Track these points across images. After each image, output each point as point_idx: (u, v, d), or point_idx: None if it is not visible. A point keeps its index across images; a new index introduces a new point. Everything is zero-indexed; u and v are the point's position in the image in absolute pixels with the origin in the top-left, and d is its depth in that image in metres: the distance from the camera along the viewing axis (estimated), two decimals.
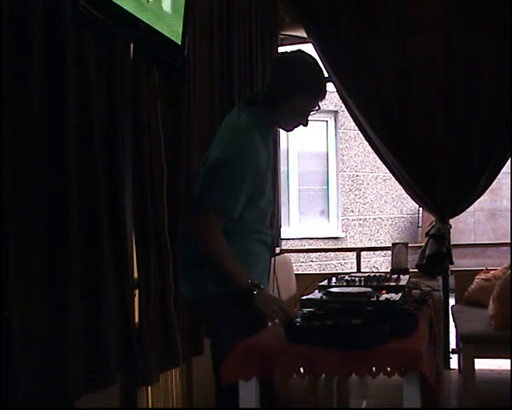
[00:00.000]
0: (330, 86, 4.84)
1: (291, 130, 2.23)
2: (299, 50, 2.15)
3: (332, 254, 8.39)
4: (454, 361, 4.28)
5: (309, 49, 4.56)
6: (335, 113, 8.51)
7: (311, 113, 2.13)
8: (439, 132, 4.29)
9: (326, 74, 4.52)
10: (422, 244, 4.47)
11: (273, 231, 2.47)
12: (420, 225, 9.14)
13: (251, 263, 2.15)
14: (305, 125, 2.16)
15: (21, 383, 1.75)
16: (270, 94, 2.12)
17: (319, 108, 2.12)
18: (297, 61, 2.10)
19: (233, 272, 2.05)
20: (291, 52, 2.15)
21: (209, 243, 2.05)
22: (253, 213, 2.14)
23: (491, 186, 4.40)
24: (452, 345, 4.32)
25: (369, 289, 2.24)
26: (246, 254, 2.14)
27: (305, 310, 2.04)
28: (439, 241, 4.29)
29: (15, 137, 1.78)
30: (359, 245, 8.48)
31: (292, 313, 2.04)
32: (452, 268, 4.41)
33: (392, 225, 9.16)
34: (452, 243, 4.40)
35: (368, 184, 8.91)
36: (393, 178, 4.68)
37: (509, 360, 3.36)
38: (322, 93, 2.10)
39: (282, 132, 7.36)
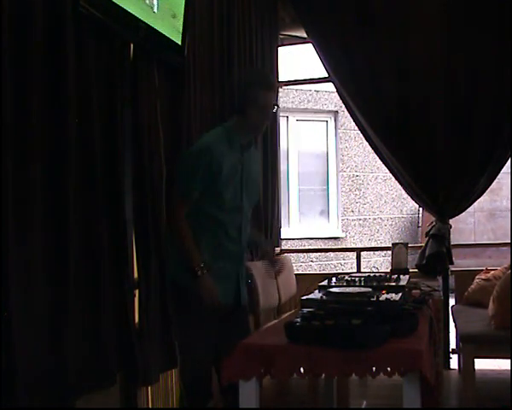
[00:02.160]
0: (330, 86, 4.86)
1: (259, 133, 2.65)
2: (248, 68, 2.75)
3: (332, 254, 8.39)
4: (454, 361, 4.27)
5: (309, 49, 4.57)
6: (335, 113, 8.51)
7: (273, 109, 2.54)
8: (439, 132, 4.29)
9: (326, 74, 4.53)
10: (422, 244, 4.47)
11: (241, 244, 2.59)
12: (420, 225, 9.13)
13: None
14: (269, 120, 2.60)
15: (21, 383, 1.75)
16: (237, 106, 2.53)
17: (278, 106, 2.62)
18: (246, 72, 2.76)
19: (187, 251, 2.44)
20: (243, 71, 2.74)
21: (173, 222, 2.48)
22: (215, 210, 2.47)
23: (491, 186, 4.40)
24: (452, 345, 4.32)
25: (369, 290, 2.25)
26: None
27: (305, 310, 2.05)
28: (439, 241, 4.28)
29: (16, 137, 1.78)
30: (359, 245, 8.47)
31: (213, 301, 2.39)
32: (452, 268, 4.40)
33: (392, 225, 9.16)
34: (452, 243, 4.39)
35: (368, 184, 8.91)
36: (393, 178, 4.67)
37: (509, 360, 3.35)
38: (271, 82, 2.57)
39: (282, 132, 7.36)
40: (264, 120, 2.56)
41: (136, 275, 2.50)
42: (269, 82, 2.55)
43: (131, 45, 2.44)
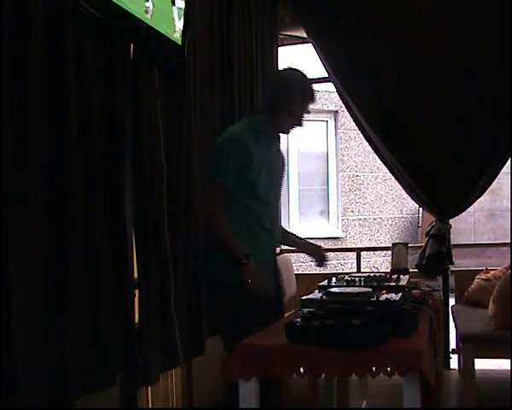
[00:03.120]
0: (330, 86, 4.86)
1: (288, 132, 2.62)
2: (289, 67, 2.62)
3: (332, 254, 8.38)
4: (454, 361, 4.27)
5: (309, 49, 4.57)
6: (335, 113, 8.51)
7: (306, 115, 2.56)
8: (439, 132, 4.29)
9: (326, 74, 4.53)
10: (422, 244, 4.47)
11: (274, 236, 2.62)
12: (420, 225, 9.13)
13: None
14: (301, 125, 2.58)
15: (21, 383, 1.75)
16: (271, 104, 2.53)
17: (309, 112, 2.58)
18: (289, 74, 2.59)
19: (228, 241, 2.41)
20: (283, 69, 2.66)
21: (209, 212, 2.44)
22: (249, 201, 2.45)
23: (491, 186, 4.40)
24: (452, 345, 4.32)
25: (369, 290, 2.25)
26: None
27: (305, 310, 2.04)
28: (439, 241, 4.28)
29: (16, 137, 1.78)
30: (359, 245, 8.48)
31: (262, 287, 2.38)
32: (452, 268, 4.40)
33: (392, 225, 9.16)
34: (452, 243, 4.40)
35: (368, 184, 8.91)
36: (393, 178, 4.67)
37: (509, 360, 3.35)
38: (312, 96, 2.55)
39: None
40: (296, 125, 2.56)
41: (136, 275, 2.50)
42: (311, 93, 2.53)
43: (131, 45, 2.44)
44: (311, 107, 2.57)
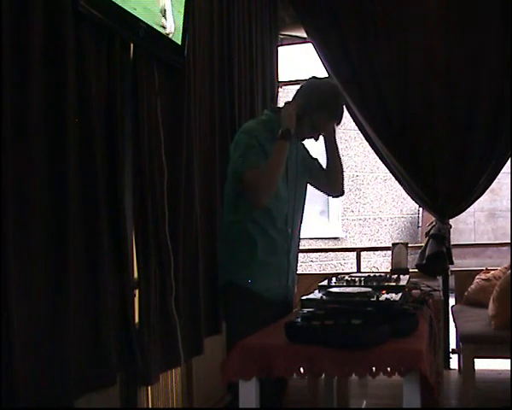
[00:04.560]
0: None
1: (302, 140, 2.58)
2: (330, 80, 2.56)
3: (332, 254, 8.39)
4: (454, 361, 4.28)
5: (309, 49, 4.57)
6: None
7: (323, 131, 2.52)
8: (439, 133, 4.30)
9: (326, 74, 4.53)
10: (422, 244, 4.48)
11: (288, 236, 2.56)
12: (420, 225, 9.14)
13: (251, 251, 2.43)
14: (316, 139, 2.54)
15: (21, 383, 1.74)
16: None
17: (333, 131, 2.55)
18: (326, 86, 2.52)
19: (272, 165, 2.32)
20: (322, 78, 2.61)
21: (249, 184, 2.33)
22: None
23: (491, 186, 4.40)
24: (452, 345, 4.32)
25: (369, 289, 2.25)
26: (246, 240, 2.44)
27: (305, 310, 2.05)
28: (439, 241, 4.29)
29: (15, 137, 1.78)
30: (359, 245, 8.48)
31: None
32: (452, 268, 4.41)
33: (392, 225, 9.17)
34: (452, 243, 4.40)
35: (368, 184, 8.92)
36: (393, 178, 4.68)
37: (509, 360, 3.35)
38: (339, 117, 2.48)
39: None
40: (311, 137, 2.52)
41: (136, 275, 2.50)
42: (339, 114, 2.47)
43: (131, 45, 2.44)
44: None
